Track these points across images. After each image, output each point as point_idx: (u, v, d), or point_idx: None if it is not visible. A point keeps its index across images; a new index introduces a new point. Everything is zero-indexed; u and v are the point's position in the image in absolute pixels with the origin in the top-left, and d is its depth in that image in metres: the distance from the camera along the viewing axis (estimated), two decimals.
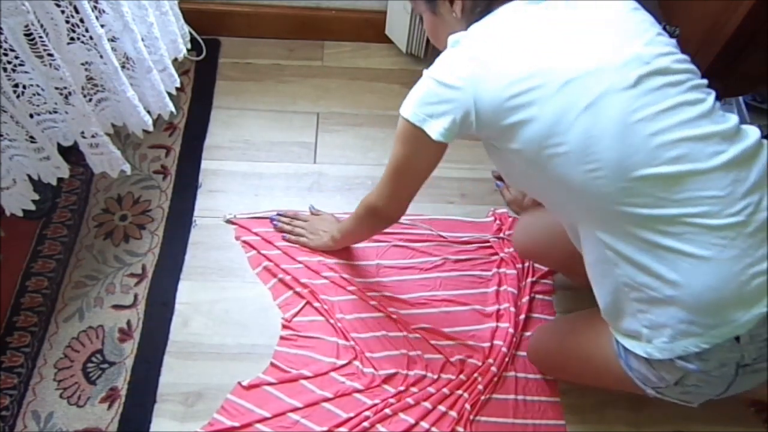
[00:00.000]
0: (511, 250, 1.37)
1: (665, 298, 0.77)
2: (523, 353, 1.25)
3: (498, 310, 1.29)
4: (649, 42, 0.79)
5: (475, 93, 0.79)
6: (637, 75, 0.75)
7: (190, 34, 1.52)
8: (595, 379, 1.06)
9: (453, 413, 1.16)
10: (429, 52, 1.67)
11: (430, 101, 0.83)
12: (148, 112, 1.30)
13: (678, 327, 0.78)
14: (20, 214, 1.17)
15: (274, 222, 1.37)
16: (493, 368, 1.21)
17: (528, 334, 1.27)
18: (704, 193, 0.74)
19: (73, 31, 1.06)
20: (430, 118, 0.83)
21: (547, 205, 0.94)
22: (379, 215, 1.09)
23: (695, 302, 0.76)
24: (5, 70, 0.99)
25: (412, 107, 0.85)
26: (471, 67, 0.79)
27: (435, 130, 0.83)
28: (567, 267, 1.24)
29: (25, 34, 0.95)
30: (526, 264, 1.35)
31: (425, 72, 0.85)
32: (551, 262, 1.29)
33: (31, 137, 1.09)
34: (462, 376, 1.20)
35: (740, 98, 1.31)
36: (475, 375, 1.20)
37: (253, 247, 1.35)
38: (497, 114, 0.79)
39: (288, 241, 1.35)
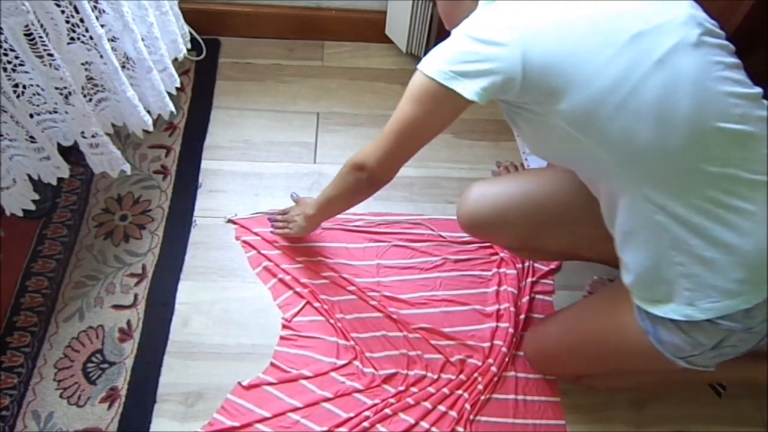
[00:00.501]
0: None
1: (719, 259, 0.78)
2: (523, 353, 1.25)
3: (498, 310, 1.29)
4: (692, 6, 0.80)
5: (525, 49, 0.75)
6: (697, 33, 0.76)
7: (190, 34, 1.52)
8: (616, 364, 1.05)
9: (453, 413, 1.16)
10: (429, 52, 1.67)
11: (465, 59, 0.78)
12: (148, 112, 1.30)
13: (729, 286, 0.78)
14: (20, 214, 1.17)
15: (272, 223, 1.37)
16: (493, 368, 1.21)
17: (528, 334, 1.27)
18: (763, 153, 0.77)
19: (73, 31, 1.06)
20: (463, 77, 0.78)
21: (584, 174, 0.90)
22: (368, 175, 0.99)
23: (753, 261, 0.77)
24: (5, 70, 0.99)
25: (439, 65, 0.79)
26: (518, 22, 0.75)
27: (470, 89, 0.78)
28: (526, 241, 1.13)
29: (25, 34, 0.95)
30: (526, 264, 1.35)
31: (455, 30, 0.80)
32: (507, 237, 1.15)
33: (31, 137, 1.09)
34: (462, 376, 1.20)
35: None
36: (475, 375, 1.21)
37: (253, 247, 1.35)
38: (550, 72, 0.75)
39: (275, 234, 1.35)
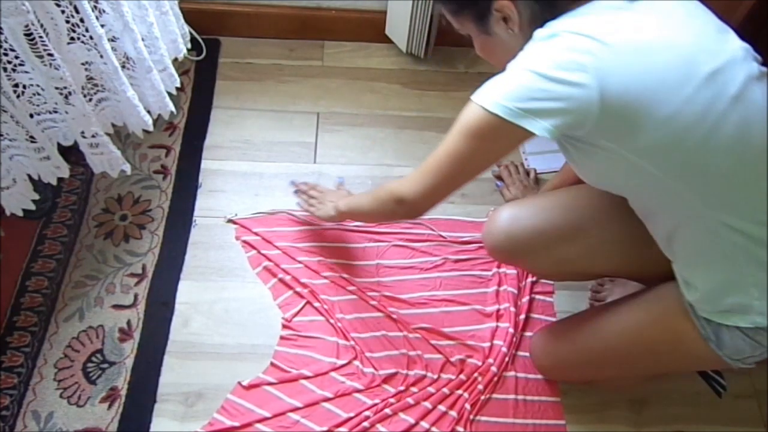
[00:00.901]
0: None
1: None
2: (523, 353, 1.25)
3: (498, 310, 1.29)
4: (738, 37, 0.81)
5: (602, 91, 0.74)
6: (757, 67, 0.79)
7: (190, 34, 1.52)
8: (656, 369, 1.09)
9: (453, 413, 1.16)
10: (429, 52, 1.67)
11: (533, 97, 0.76)
12: (148, 112, 1.30)
13: None
14: (20, 213, 1.17)
15: (295, 184, 1.37)
16: (493, 368, 1.21)
17: (528, 334, 1.27)
18: None
19: (73, 31, 1.06)
20: (533, 114, 0.76)
21: (645, 203, 0.90)
22: (407, 208, 0.98)
23: None
24: (5, 70, 0.99)
25: (502, 100, 0.77)
26: (591, 62, 0.74)
27: (540, 127, 0.77)
28: (564, 266, 1.10)
29: (25, 34, 0.95)
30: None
31: (515, 64, 0.79)
32: (545, 263, 1.09)
33: (31, 137, 1.09)
34: (462, 376, 1.20)
35: None
36: (475, 375, 1.21)
37: (253, 247, 1.35)
38: (627, 112, 0.75)
39: (300, 206, 1.35)
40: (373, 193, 1.07)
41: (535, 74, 0.76)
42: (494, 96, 0.78)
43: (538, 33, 0.80)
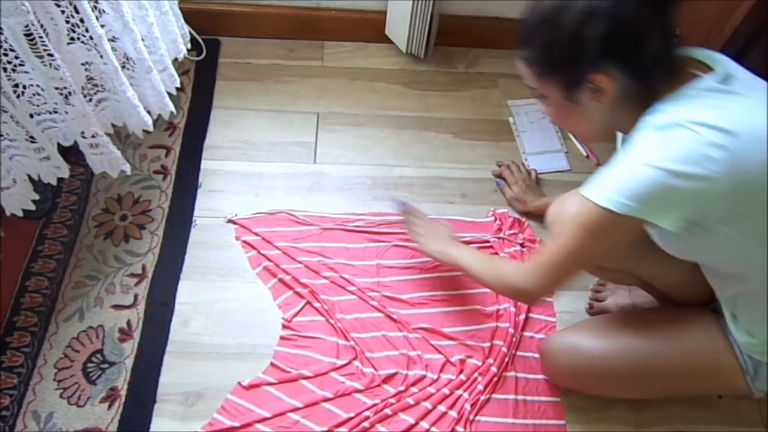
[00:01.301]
0: (511, 250, 1.37)
1: None
2: (523, 353, 1.25)
3: (498, 310, 1.29)
4: None
5: (733, 181, 0.74)
6: None
7: (190, 34, 1.52)
8: (681, 392, 1.14)
9: (453, 413, 1.16)
10: (429, 52, 1.67)
11: (663, 195, 0.76)
12: (148, 112, 1.30)
13: None
14: (20, 214, 1.17)
15: (403, 205, 1.34)
16: (493, 368, 1.21)
17: (528, 334, 1.27)
18: None
19: (73, 31, 1.06)
20: (659, 209, 0.77)
21: (729, 271, 0.91)
22: (527, 299, 1.03)
23: None
24: (5, 70, 0.99)
25: (624, 198, 0.77)
26: (721, 154, 0.73)
27: (668, 221, 0.78)
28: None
29: (25, 34, 0.95)
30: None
31: (634, 158, 0.78)
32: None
33: (31, 137, 1.09)
34: (462, 376, 1.20)
35: None
36: (475, 375, 1.21)
37: (253, 247, 1.35)
38: (754, 197, 0.77)
39: (406, 231, 1.32)
40: (490, 265, 1.08)
41: (660, 170, 0.75)
42: (614, 193, 0.78)
43: (652, 121, 0.78)
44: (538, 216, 1.39)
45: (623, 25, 0.75)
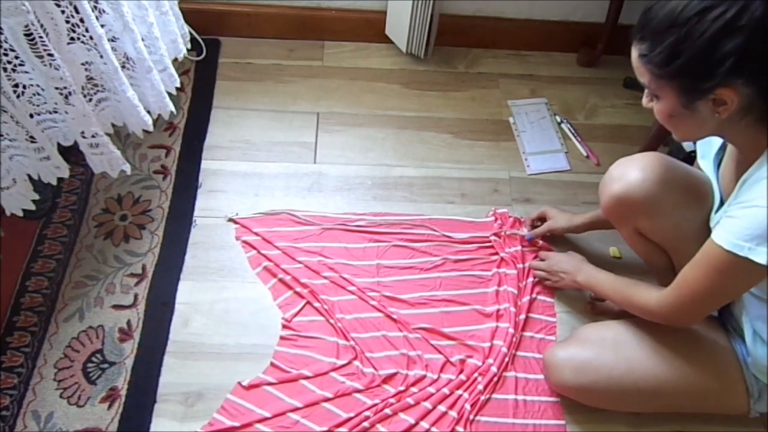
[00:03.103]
0: (512, 250, 1.37)
1: None
2: (523, 353, 1.25)
3: (498, 310, 1.29)
4: None
5: None
6: None
7: (190, 34, 1.52)
8: (686, 409, 1.15)
9: (453, 413, 1.16)
10: (429, 52, 1.67)
11: None
12: (148, 112, 1.30)
13: None
14: (20, 214, 1.17)
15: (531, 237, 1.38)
16: (493, 368, 1.21)
17: (528, 334, 1.27)
18: None
19: (73, 31, 1.06)
20: None
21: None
22: (668, 322, 1.03)
23: None
24: (5, 70, 0.99)
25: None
26: None
27: None
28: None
29: (25, 34, 0.95)
30: (527, 264, 1.35)
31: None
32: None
33: (31, 137, 1.09)
34: (462, 376, 1.20)
35: None
36: (475, 375, 1.20)
37: (253, 247, 1.35)
38: None
39: (548, 280, 1.32)
40: (633, 299, 1.07)
41: None
42: (758, 242, 0.79)
43: None
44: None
45: (763, 42, 0.72)
